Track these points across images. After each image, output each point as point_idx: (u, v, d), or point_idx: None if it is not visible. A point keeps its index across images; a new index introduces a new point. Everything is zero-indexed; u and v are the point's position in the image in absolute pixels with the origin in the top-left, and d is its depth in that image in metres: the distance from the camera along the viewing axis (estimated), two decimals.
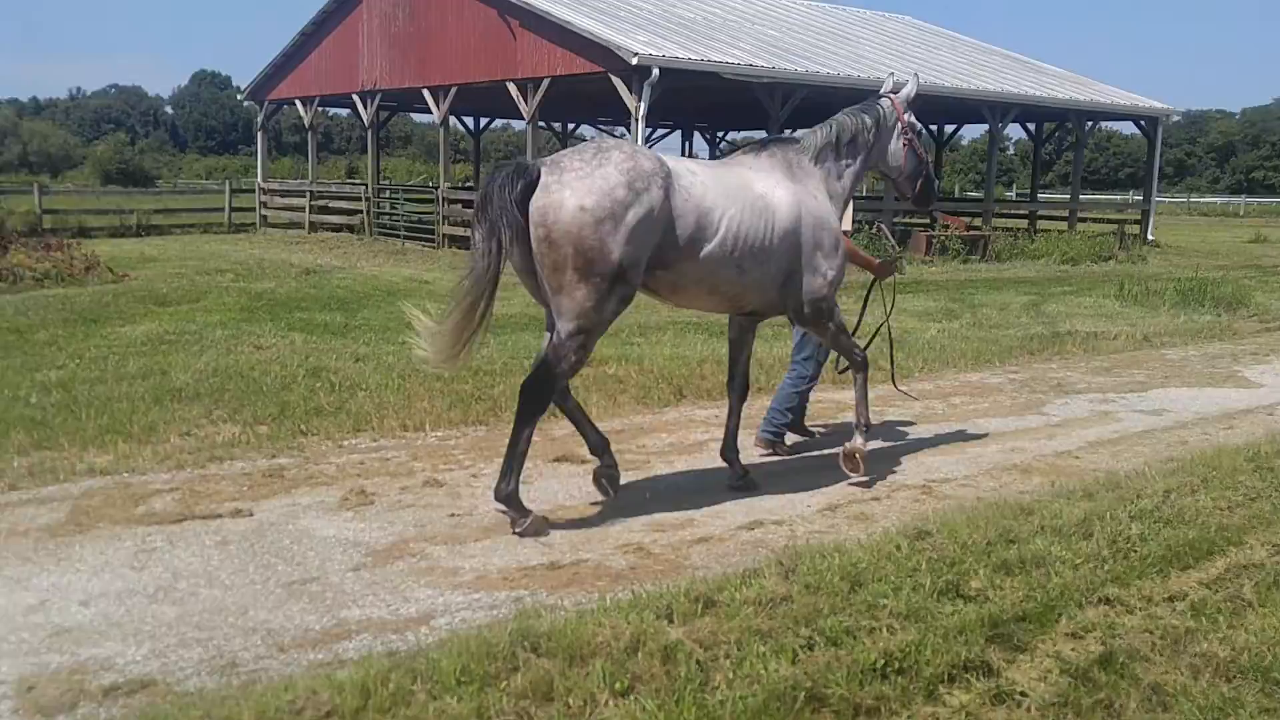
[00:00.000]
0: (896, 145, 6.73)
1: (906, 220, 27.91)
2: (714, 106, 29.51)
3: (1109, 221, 27.97)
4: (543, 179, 5.25)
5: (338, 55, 26.85)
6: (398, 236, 24.68)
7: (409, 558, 5.02)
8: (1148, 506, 5.65)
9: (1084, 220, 28.50)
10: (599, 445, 6.00)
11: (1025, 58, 29.62)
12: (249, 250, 23.04)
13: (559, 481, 6.29)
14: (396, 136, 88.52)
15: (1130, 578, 4.71)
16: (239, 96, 32.45)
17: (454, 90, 23.36)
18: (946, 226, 23.36)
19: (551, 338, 5.44)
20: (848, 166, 6.47)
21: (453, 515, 5.64)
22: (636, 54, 18.54)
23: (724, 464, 6.40)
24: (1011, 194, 54.72)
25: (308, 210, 28.03)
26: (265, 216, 29.88)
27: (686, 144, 36.57)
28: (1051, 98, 24.95)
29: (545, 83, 21.03)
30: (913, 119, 6.85)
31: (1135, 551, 5.01)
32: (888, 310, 7.65)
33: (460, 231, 23.53)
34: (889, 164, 6.81)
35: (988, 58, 28.46)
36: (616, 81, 19.52)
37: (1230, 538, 5.21)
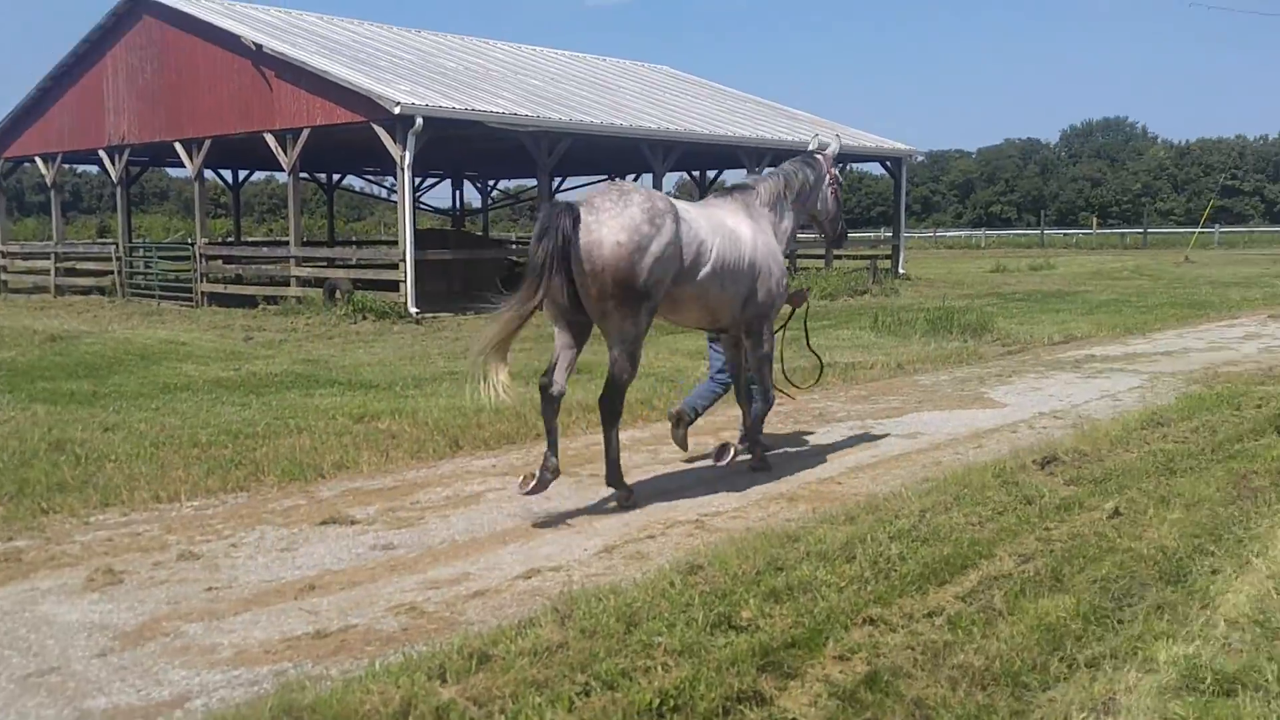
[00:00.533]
0: (826, 193, 8.19)
1: None
2: (483, 155, 29.50)
3: (862, 258, 29.52)
4: (583, 219, 6.27)
5: (82, 109, 25.35)
6: (153, 296, 23.40)
7: (162, 638, 4.69)
8: (905, 526, 5.91)
9: (839, 257, 29.97)
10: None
11: (777, 104, 31.05)
12: None
13: (325, 545, 6.03)
14: (151, 192, 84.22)
15: (892, 596, 4.90)
16: None
17: (208, 143, 22.45)
18: None
19: (611, 355, 6.65)
20: (790, 211, 7.82)
21: (210, 589, 5.31)
22: (399, 103, 18.34)
23: (501, 515, 6.39)
24: None
25: (53, 273, 26.24)
26: (5, 281, 27.81)
27: (457, 192, 36.45)
28: (803, 141, 26.13)
29: (305, 133, 20.50)
30: (836, 171, 8.32)
31: (895, 571, 5.22)
32: (806, 333, 9.19)
33: (220, 289, 22.56)
34: (819, 209, 8.20)
35: (742, 105, 29.67)
36: (380, 131, 19.23)
37: (981, 551, 5.50)
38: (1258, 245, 56.35)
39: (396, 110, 18.34)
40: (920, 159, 29.77)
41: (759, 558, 5.38)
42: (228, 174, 32.67)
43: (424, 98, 19.34)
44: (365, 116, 19.24)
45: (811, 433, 9.17)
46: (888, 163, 29.68)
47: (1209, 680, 3.98)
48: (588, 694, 3.97)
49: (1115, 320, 18.21)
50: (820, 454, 8.33)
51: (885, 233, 40.79)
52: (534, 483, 6.50)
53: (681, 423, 7.80)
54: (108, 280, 24.77)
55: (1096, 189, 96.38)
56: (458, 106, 19.44)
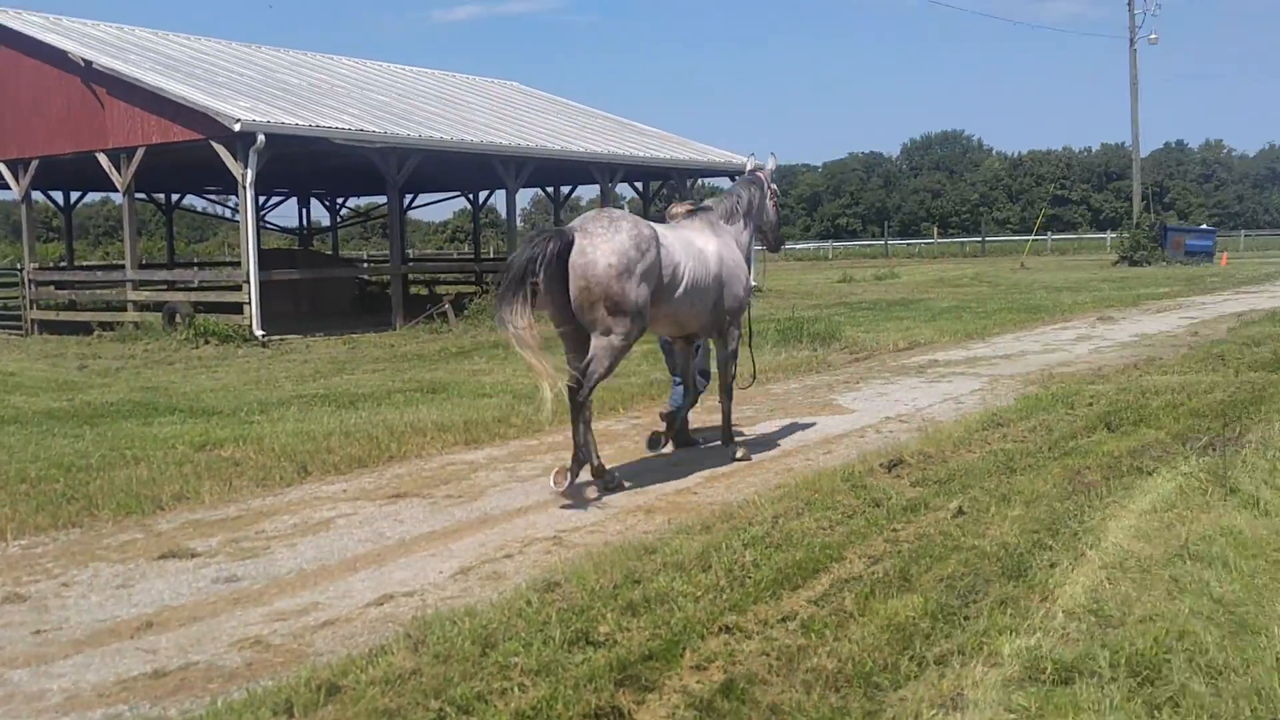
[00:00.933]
0: (768, 206, 9.09)
1: None
2: (331, 172, 28.86)
3: None
4: (578, 242, 7.10)
5: None
6: None
7: None
8: (759, 533, 5.98)
9: None
10: (584, 458, 7.43)
11: (627, 120, 31.30)
12: None
13: (164, 580, 5.76)
14: None
15: (747, 603, 4.94)
16: None
17: (36, 164, 21.37)
18: None
19: (591, 358, 7.37)
20: (746, 226, 8.79)
21: (38, 632, 5.01)
22: (239, 120, 17.79)
23: (352, 540, 6.27)
24: None
25: None
26: None
27: (304, 210, 35.51)
28: (654, 157, 26.47)
29: (140, 152, 19.71)
30: (775, 187, 9.24)
31: (750, 578, 5.27)
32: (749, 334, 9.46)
33: (52, 316, 21.48)
34: (765, 220, 9.12)
35: (592, 120, 29.81)
36: (220, 149, 18.63)
37: (832, 554, 5.59)
38: (1086, 250, 59.47)
39: (237, 127, 17.79)
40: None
41: (616, 571, 5.36)
42: (59, 195, 31.13)
43: (266, 114, 18.82)
44: (204, 134, 18.60)
45: (669, 444, 9.20)
46: (734, 178, 30.15)
47: (1049, 670, 4.12)
48: None
49: (956, 326, 18.89)
50: (676, 465, 8.37)
51: None
52: (567, 479, 7.31)
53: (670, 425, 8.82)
54: None
55: (937, 200, 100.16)
56: (301, 123, 18.97)
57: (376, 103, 23.39)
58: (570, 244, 7.09)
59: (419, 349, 17.71)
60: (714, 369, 9.43)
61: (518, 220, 23.88)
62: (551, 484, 7.33)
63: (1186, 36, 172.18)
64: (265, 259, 28.91)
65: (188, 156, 20.59)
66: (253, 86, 21.46)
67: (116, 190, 20.69)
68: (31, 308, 21.45)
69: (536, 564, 5.84)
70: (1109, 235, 61.68)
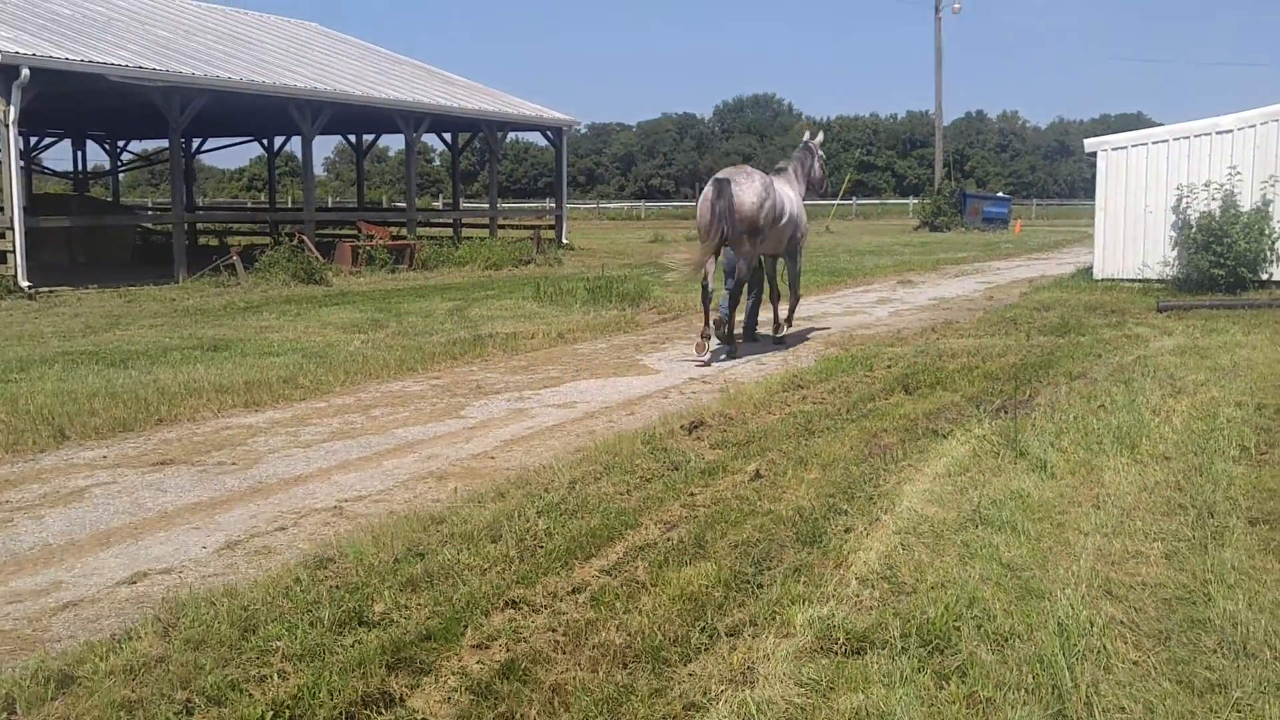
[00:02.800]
0: (817, 166, 12.95)
1: (331, 232, 27.45)
2: (110, 113, 26.88)
3: (526, 228, 29.48)
4: (735, 186, 10.90)
5: None
6: None
7: None
8: (554, 500, 5.72)
9: (504, 227, 29.80)
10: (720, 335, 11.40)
11: (437, 69, 30.30)
12: None
13: None
14: None
15: (537, 575, 4.67)
16: None
17: None
18: (371, 237, 23.15)
19: (737, 267, 11.40)
20: (803, 182, 12.71)
21: None
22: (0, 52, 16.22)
23: (108, 512, 5.66)
24: (439, 204, 56.19)
25: None
26: None
27: (79, 153, 32.96)
28: (463, 108, 25.70)
29: None
30: (821, 152, 13.15)
31: (542, 548, 5.00)
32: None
33: None
34: (814, 178, 12.93)
35: (399, 68, 28.69)
36: None
37: (628, 521, 5.39)
38: (890, 215, 61.60)
39: None
40: (582, 130, 30.10)
41: (398, 544, 5.01)
42: None
43: (31, 46, 17.21)
44: None
45: (469, 405, 8.84)
46: (549, 133, 29.71)
47: (841, 640, 4.02)
48: (189, 712, 3.50)
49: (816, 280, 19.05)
50: (475, 428, 8.02)
51: (551, 202, 41.04)
52: (706, 351, 11.07)
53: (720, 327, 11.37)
54: None
55: (748, 162, 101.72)
56: (73, 58, 17.44)
57: (160, 39, 21.78)
58: (729, 185, 10.87)
59: (203, 303, 16.66)
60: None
61: (320, 169, 22.77)
62: (695, 353, 11.11)
63: (988, 9, 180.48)
64: (36, 205, 26.92)
65: None
66: (17, 16, 19.60)
67: None
68: None
69: (312, 537, 5.42)
70: (911, 201, 64.06)
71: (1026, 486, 5.74)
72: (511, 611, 4.32)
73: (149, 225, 28.69)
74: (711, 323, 11.23)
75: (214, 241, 30.55)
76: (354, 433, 7.82)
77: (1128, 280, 17.18)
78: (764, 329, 12.98)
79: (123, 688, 3.62)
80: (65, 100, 20.87)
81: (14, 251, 17.16)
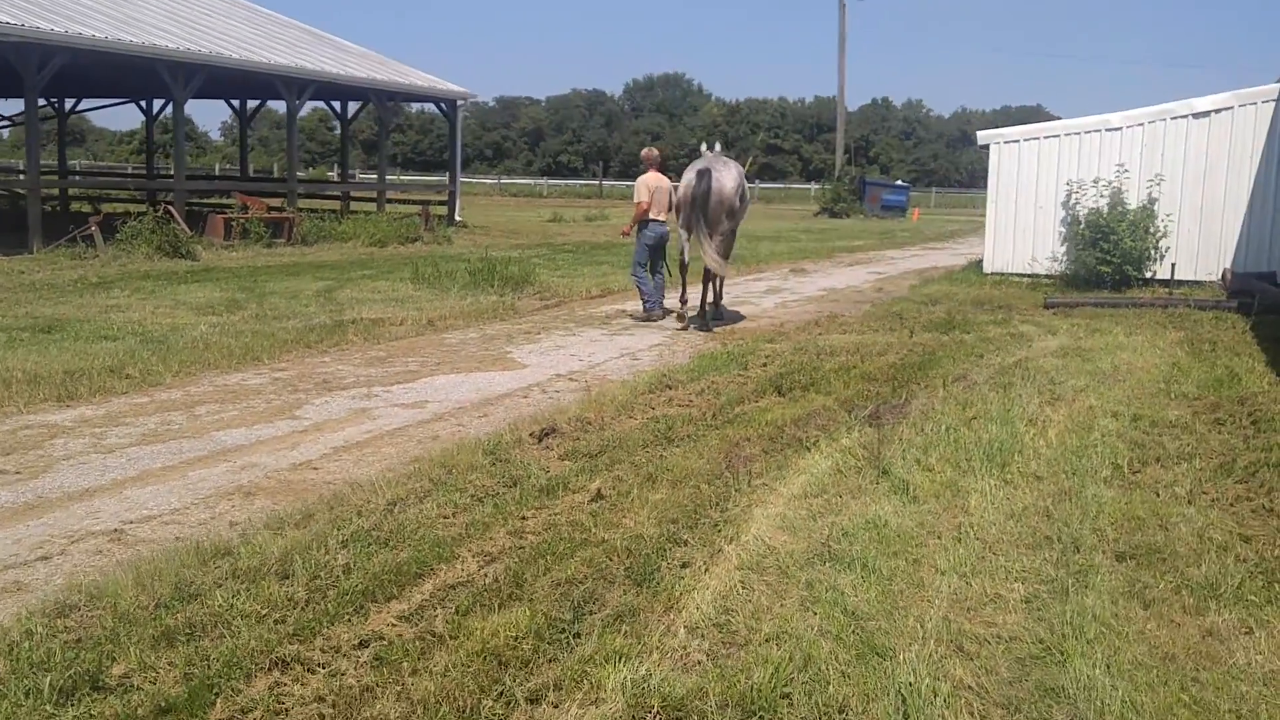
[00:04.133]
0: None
1: (201, 202, 26.18)
2: None
3: (415, 203, 28.48)
4: (714, 174, 12.24)
5: None
6: None
7: None
8: (365, 526, 5.10)
9: (394, 202, 28.78)
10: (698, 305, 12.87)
11: (326, 34, 29.03)
12: None
13: None
14: None
15: (321, 625, 4.06)
16: None
17: None
18: (246, 209, 22.04)
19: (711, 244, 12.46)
20: None
21: None
22: None
23: None
24: (334, 175, 54.48)
25: None
26: None
27: None
28: (350, 75, 24.61)
29: None
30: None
31: (336, 588, 4.39)
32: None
33: None
34: None
35: (285, 30, 27.39)
36: None
37: (443, 553, 4.79)
38: (793, 200, 61.51)
39: None
40: (487, 102, 29.28)
41: (164, 584, 4.34)
42: None
43: None
44: None
45: (308, 404, 8.12)
46: (442, 105, 28.73)
47: (655, 709, 3.50)
48: None
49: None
50: (307, 432, 7.32)
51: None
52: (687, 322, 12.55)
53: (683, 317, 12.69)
54: None
55: (656, 142, 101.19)
56: None
57: None
58: (711, 176, 12.18)
59: (52, 277, 15.53)
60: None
61: (218, 134, 21.51)
62: (677, 322, 12.45)
63: None
64: None
65: None
66: None
67: None
68: None
69: (76, 570, 4.71)
70: (813, 186, 64.19)
71: (885, 513, 5.28)
72: (278, 674, 3.70)
73: (17, 190, 26.99)
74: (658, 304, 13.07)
75: (88, 209, 28.97)
76: (168, 435, 7.07)
77: (1017, 275, 17.04)
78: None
79: None
80: None
81: None
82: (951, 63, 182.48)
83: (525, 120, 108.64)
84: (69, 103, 31.41)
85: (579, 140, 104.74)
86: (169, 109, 29.08)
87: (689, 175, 12.43)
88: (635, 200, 12.96)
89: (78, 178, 37.51)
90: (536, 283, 16.36)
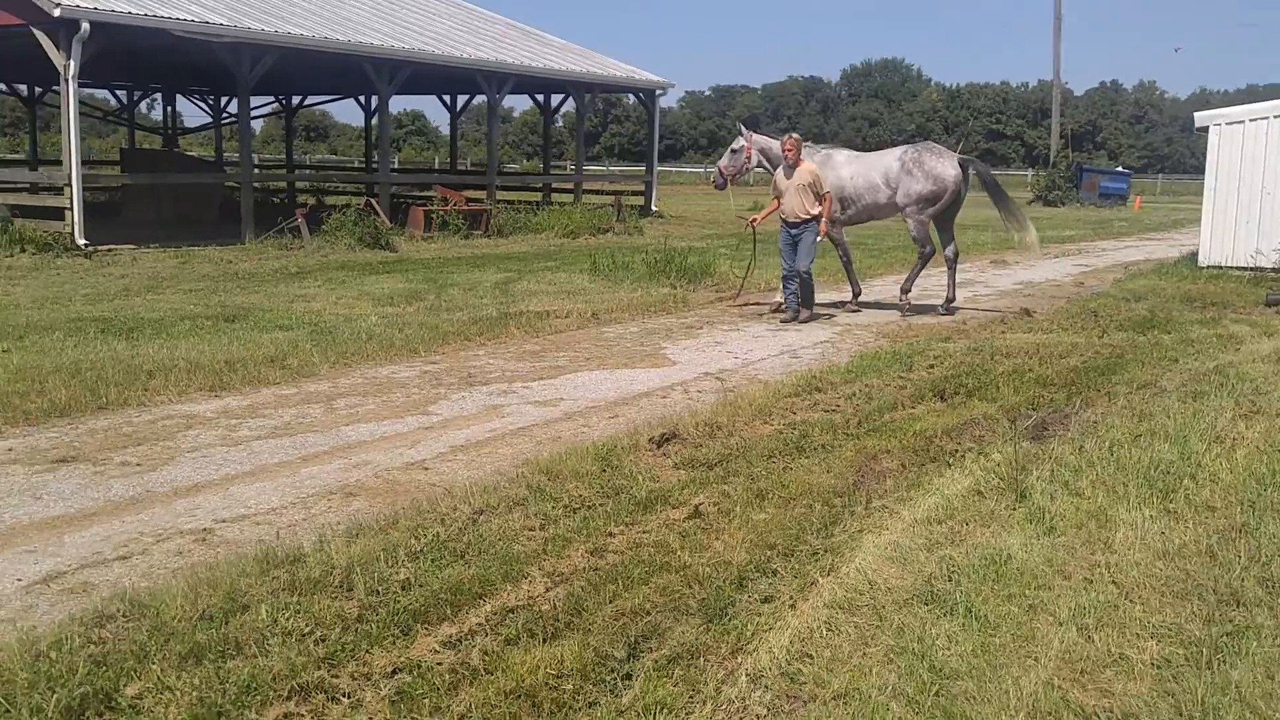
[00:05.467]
0: None
1: (409, 195, 27.00)
2: (176, 69, 26.75)
3: (611, 194, 28.51)
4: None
5: None
6: None
7: None
8: (442, 536, 4.85)
9: (590, 193, 28.91)
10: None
11: (531, 29, 29.43)
12: None
13: None
14: None
15: (359, 649, 3.81)
16: None
17: None
18: (446, 201, 22.55)
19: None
20: None
21: None
22: (60, 4, 15.94)
23: None
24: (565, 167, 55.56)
25: None
26: None
27: (168, 108, 33.04)
28: (548, 68, 24.83)
29: None
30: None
31: (390, 606, 4.14)
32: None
33: None
34: None
35: (490, 26, 27.89)
36: (41, 36, 16.77)
37: (512, 571, 4.48)
38: (1007, 188, 58.38)
39: (57, 12, 15.94)
40: (703, 91, 28.99)
41: (218, 593, 4.19)
42: None
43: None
44: (24, 19, 16.72)
45: (444, 399, 8.01)
46: (640, 95, 28.69)
47: None
48: None
49: (839, 265, 17.79)
50: (433, 429, 7.18)
51: (669, 168, 39.93)
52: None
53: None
54: None
55: (874, 128, 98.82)
56: (136, 11, 17.12)
57: None
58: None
59: (256, 267, 16.24)
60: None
61: (445, 128, 22.09)
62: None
63: None
64: (127, 160, 27.15)
65: (9, 44, 18.64)
66: None
67: None
68: None
69: (151, 570, 4.65)
70: (1029, 173, 60.89)
71: (1011, 546, 4.63)
72: (293, 704, 3.46)
73: (235, 184, 28.60)
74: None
75: (312, 201, 30.44)
76: (298, 429, 7.07)
77: (1238, 268, 15.40)
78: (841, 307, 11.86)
79: None
80: (133, 56, 20.68)
81: (71, 209, 17.00)
82: (1190, 40, 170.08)
83: (740, 109, 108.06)
84: (297, 99, 33.08)
85: (794, 127, 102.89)
86: (392, 103, 30.15)
87: (954, 169, 12.68)
88: (824, 192, 12.03)
89: (309, 171, 39.51)
90: (715, 274, 15.94)
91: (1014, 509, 5.16)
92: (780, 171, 12.26)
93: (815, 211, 11.90)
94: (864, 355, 9.54)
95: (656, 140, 29.08)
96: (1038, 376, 8.49)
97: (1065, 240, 24.29)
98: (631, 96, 30.11)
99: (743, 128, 13.90)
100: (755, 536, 4.85)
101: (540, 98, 29.75)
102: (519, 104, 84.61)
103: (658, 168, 29.48)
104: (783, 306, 12.30)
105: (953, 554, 4.57)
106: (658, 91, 28.58)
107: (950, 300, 13.21)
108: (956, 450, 6.43)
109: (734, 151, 13.73)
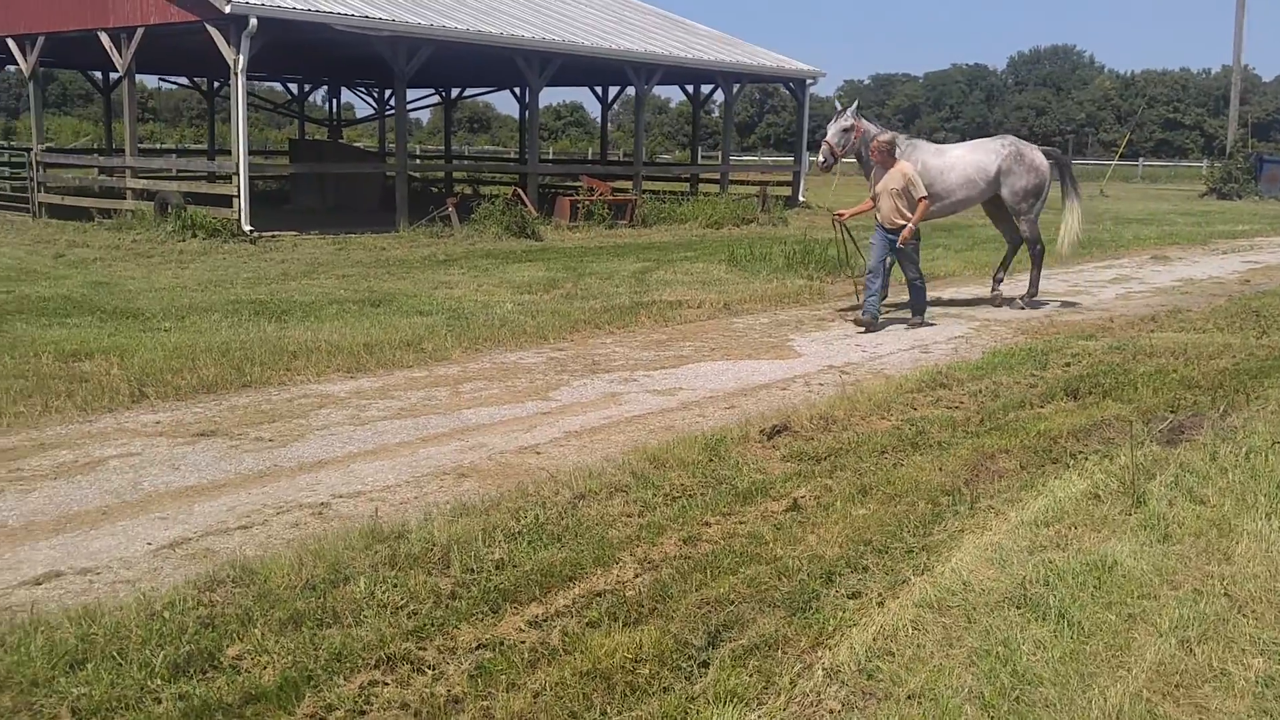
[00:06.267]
0: None
1: (557, 185, 27.42)
2: (337, 62, 27.73)
3: (757, 184, 28.34)
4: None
5: None
6: None
7: None
8: (541, 519, 4.96)
9: (738, 183, 28.81)
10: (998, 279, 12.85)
11: (679, 18, 29.48)
12: None
13: None
14: (76, 94, 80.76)
15: (448, 624, 3.94)
16: None
17: (42, 39, 20.70)
18: (592, 190, 22.84)
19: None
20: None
21: None
22: (230, 1, 16.79)
23: (96, 491, 5.38)
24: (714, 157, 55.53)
25: None
26: None
27: (333, 101, 34.22)
28: (696, 59, 24.84)
29: (139, 32, 18.86)
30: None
31: (483, 584, 4.27)
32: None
33: (57, 200, 21.03)
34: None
35: (641, 17, 28.07)
36: (214, 32, 17.69)
37: (603, 556, 4.55)
38: (1179, 180, 55.57)
39: (227, 9, 16.80)
40: (862, 80, 28.55)
41: (323, 564, 4.39)
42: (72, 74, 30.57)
43: None
44: (199, 16, 17.67)
45: (566, 386, 8.16)
46: (790, 84, 28.43)
47: None
48: None
49: (989, 258, 17.23)
50: (550, 414, 7.33)
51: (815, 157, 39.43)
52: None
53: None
54: None
55: (1041, 117, 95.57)
56: (300, 6, 17.88)
57: None
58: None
59: (407, 254, 16.78)
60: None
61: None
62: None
63: None
64: (294, 151, 28.40)
65: (185, 40, 19.70)
66: None
67: (117, 70, 19.95)
68: (39, 190, 20.98)
69: (268, 540, 4.89)
70: (1203, 165, 57.72)
71: (1120, 552, 4.45)
72: (379, 673, 3.61)
73: (387, 174, 29.58)
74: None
75: (467, 190, 31.26)
76: (422, 410, 7.31)
77: None
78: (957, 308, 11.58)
79: None
80: (297, 50, 21.55)
81: (238, 196, 17.88)
82: None
83: (900, 98, 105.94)
84: (454, 92, 33.98)
85: (956, 116, 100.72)
86: (551, 95, 30.65)
87: (1045, 159, 12.34)
88: (920, 196, 10.86)
89: (464, 162, 40.50)
90: (855, 265, 15.70)
91: (1129, 514, 4.96)
92: (875, 171, 11.27)
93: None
94: (997, 352, 9.28)
95: (805, 130, 28.76)
96: (1181, 378, 8.11)
97: (1238, 235, 22.98)
98: (783, 86, 29.70)
99: (849, 110, 12.23)
100: (851, 532, 4.80)
101: (689, 88, 29.80)
102: (673, 94, 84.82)
103: (808, 158, 29.13)
104: (861, 312, 10.95)
105: (1055, 558, 4.43)
106: (808, 81, 28.27)
107: (1033, 294, 12.65)
108: (1081, 452, 6.21)
109: (845, 130, 12.02)
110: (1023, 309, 12.26)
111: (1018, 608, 4.00)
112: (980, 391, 7.72)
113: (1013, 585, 4.20)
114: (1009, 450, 6.24)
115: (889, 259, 11.02)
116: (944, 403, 7.41)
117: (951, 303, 12.88)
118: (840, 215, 12.31)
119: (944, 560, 4.49)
